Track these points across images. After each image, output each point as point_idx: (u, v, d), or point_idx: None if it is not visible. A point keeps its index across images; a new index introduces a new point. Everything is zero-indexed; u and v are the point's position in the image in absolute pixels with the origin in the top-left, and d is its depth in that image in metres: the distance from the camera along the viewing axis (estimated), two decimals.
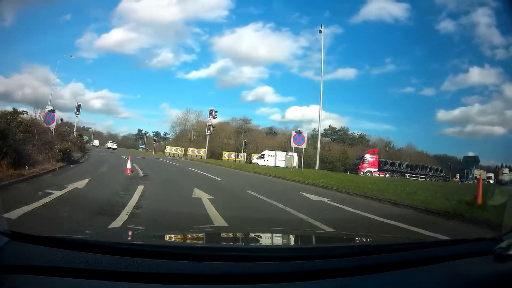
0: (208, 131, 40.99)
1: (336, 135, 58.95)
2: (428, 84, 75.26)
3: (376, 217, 6.70)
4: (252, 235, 2.83)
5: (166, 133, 77.94)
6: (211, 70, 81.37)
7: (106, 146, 49.93)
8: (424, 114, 71.31)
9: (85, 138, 44.18)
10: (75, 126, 32.06)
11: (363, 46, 70.57)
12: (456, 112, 63.44)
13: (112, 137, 74.60)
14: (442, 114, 67.30)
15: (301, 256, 1.64)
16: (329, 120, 63.05)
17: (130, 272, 1.37)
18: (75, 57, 60.86)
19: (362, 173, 33.30)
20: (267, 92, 79.33)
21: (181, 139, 53.38)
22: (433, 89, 72.68)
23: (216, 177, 14.42)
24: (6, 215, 4.02)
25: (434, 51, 70.78)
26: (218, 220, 5.41)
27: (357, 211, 7.52)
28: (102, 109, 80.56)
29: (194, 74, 79.70)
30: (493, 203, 5.04)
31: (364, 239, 2.81)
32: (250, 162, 38.54)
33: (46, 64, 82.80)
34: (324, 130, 54.27)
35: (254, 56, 73.52)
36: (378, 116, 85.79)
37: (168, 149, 47.93)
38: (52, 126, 19.15)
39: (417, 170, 37.61)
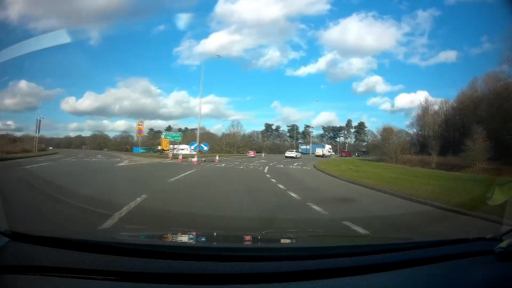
0: None
1: None
2: None
3: None
4: (252, 235, 2.72)
5: (307, 126, 74.99)
6: (320, 64, 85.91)
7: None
8: None
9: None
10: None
11: (460, 26, 64.50)
12: None
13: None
14: None
15: (301, 256, 1.62)
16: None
17: (130, 272, 1.37)
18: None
19: None
20: (377, 82, 74.93)
21: None
22: None
23: None
24: None
25: None
26: None
27: None
28: (211, 114, 79.72)
29: (304, 70, 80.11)
30: (493, 202, 3.79)
31: (364, 239, 2.85)
32: None
33: (144, 76, 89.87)
34: None
35: (361, 46, 71.88)
36: None
37: None
38: None
39: None
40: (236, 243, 2.33)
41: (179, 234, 2.63)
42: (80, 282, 1.33)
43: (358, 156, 60.62)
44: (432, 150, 33.36)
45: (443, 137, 39.75)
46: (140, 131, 45.49)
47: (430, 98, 46.06)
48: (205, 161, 25.40)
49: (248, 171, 17.88)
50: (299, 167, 23.64)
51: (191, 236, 2.56)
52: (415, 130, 46.08)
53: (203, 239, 2.48)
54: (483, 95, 36.84)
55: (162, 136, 39.07)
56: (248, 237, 2.57)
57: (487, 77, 37.44)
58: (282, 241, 2.59)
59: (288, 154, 43.83)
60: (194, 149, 26.18)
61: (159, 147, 38.26)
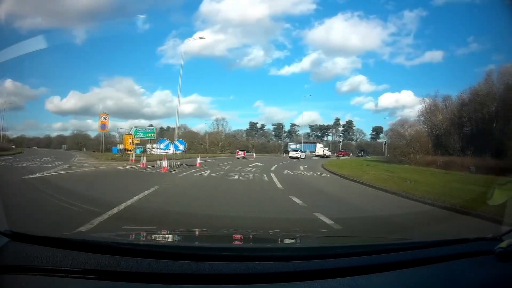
0: None
1: None
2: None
3: None
4: (251, 235, 2.68)
5: (293, 125, 73.86)
6: (304, 63, 79.98)
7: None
8: None
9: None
10: None
11: (447, 26, 65.66)
12: None
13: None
14: None
15: (302, 256, 1.61)
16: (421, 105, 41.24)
17: (130, 272, 1.35)
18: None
19: None
20: (362, 81, 74.49)
21: None
22: None
23: None
24: None
25: None
26: None
27: None
28: (193, 113, 78.09)
29: (288, 70, 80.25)
30: (493, 202, 3.94)
31: (364, 239, 2.78)
32: None
33: (128, 76, 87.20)
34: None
35: (345, 46, 68.49)
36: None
37: None
38: None
39: None
40: (235, 243, 2.29)
41: (178, 234, 2.63)
42: (80, 282, 1.33)
43: (360, 155, 54.85)
44: (462, 150, 28.27)
45: (462, 136, 35.08)
46: (103, 125, 37.08)
47: (428, 97, 42.15)
48: (180, 165, 17.97)
49: (252, 186, 10.64)
50: (315, 174, 16.74)
51: (190, 236, 2.57)
52: (422, 127, 40.87)
53: (203, 239, 2.50)
54: (502, 91, 32.26)
55: (131, 132, 30.59)
56: (247, 237, 2.52)
57: (502, 71, 33.09)
58: (282, 241, 2.57)
59: (292, 154, 38.36)
60: (165, 148, 18.56)
61: (120, 146, 29.84)
